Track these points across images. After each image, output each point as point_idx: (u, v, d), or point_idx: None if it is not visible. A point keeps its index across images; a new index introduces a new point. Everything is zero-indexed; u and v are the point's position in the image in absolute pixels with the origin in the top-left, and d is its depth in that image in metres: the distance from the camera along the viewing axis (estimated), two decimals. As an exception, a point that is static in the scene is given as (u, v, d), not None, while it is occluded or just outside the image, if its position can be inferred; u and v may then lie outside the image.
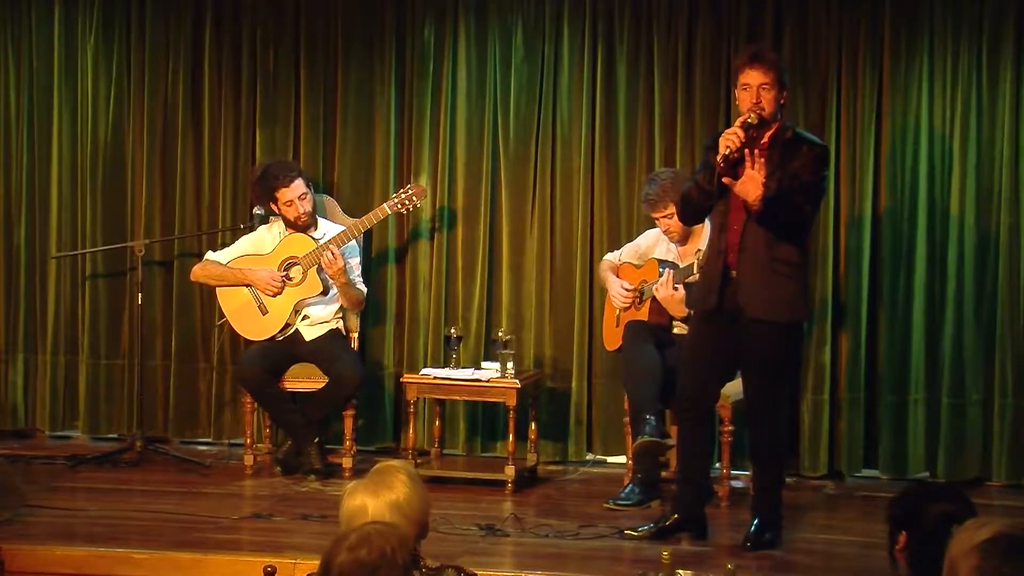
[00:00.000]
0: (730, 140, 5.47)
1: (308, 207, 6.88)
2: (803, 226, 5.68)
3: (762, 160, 5.46)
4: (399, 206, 6.95)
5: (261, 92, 7.46)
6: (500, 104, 7.29)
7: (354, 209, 7.27)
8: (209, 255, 7.03)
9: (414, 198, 6.95)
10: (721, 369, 5.81)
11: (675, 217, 6.44)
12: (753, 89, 5.56)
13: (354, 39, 7.39)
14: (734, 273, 5.62)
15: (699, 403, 5.79)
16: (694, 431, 5.83)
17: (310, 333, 6.94)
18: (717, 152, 5.49)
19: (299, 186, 6.84)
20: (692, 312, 6.03)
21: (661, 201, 6.46)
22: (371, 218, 6.95)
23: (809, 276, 6.17)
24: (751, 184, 5.43)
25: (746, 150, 5.46)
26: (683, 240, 6.57)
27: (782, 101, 5.64)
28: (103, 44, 7.53)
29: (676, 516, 5.81)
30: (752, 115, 5.52)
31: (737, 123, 5.53)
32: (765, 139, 5.61)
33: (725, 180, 5.45)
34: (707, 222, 6.07)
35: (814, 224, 6.12)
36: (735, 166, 5.54)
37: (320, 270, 6.84)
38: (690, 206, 5.78)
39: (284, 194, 6.83)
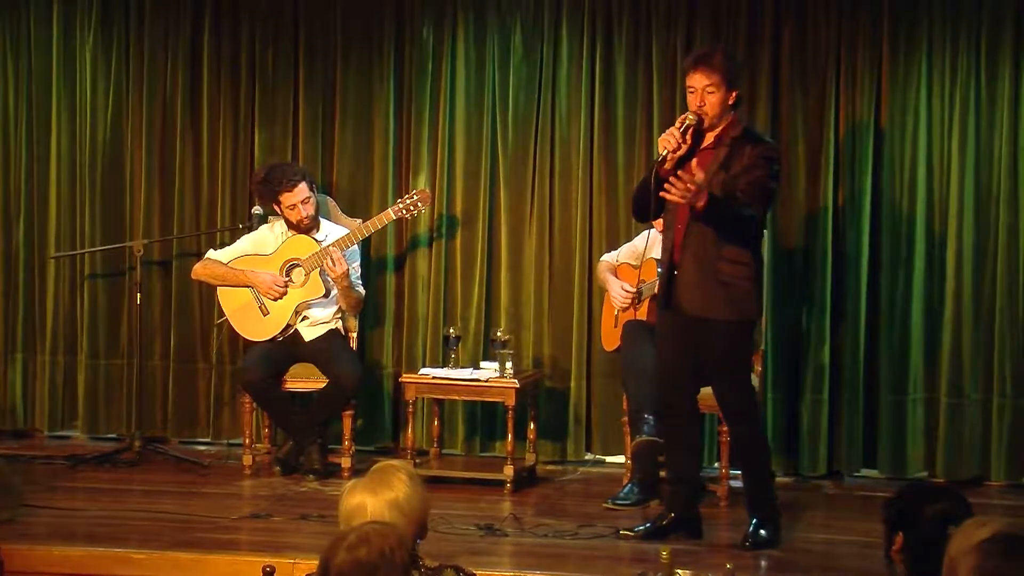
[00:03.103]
0: (667, 141, 5.54)
1: (311, 211, 6.88)
2: (751, 225, 5.62)
3: (696, 168, 5.45)
4: (404, 212, 6.94)
5: (260, 92, 7.46)
6: (499, 104, 7.29)
7: (353, 209, 7.28)
8: (211, 254, 7.02)
9: (419, 203, 6.95)
10: (691, 367, 5.78)
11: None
12: (698, 92, 5.61)
13: (353, 39, 7.39)
14: (676, 272, 5.65)
15: (676, 402, 5.81)
16: (678, 431, 5.84)
17: (309, 333, 6.94)
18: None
19: (303, 190, 6.83)
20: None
21: (657, 202, 6.47)
22: (374, 223, 6.94)
23: (762, 275, 6.04)
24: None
25: (694, 159, 5.48)
26: (681, 240, 6.58)
27: (731, 101, 5.65)
28: (102, 44, 7.54)
29: (671, 516, 5.81)
30: (691, 115, 5.58)
31: (676, 124, 5.58)
32: (710, 139, 5.64)
33: (663, 195, 5.44)
34: None
35: (765, 224, 6.01)
36: (678, 165, 5.56)
37: (322, 272, 6.84)
38: (637, 203, 5.81)
39: (287, 198, 6.83)
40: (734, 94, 5.66)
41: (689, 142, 5.56)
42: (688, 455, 5.87)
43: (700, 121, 5.59)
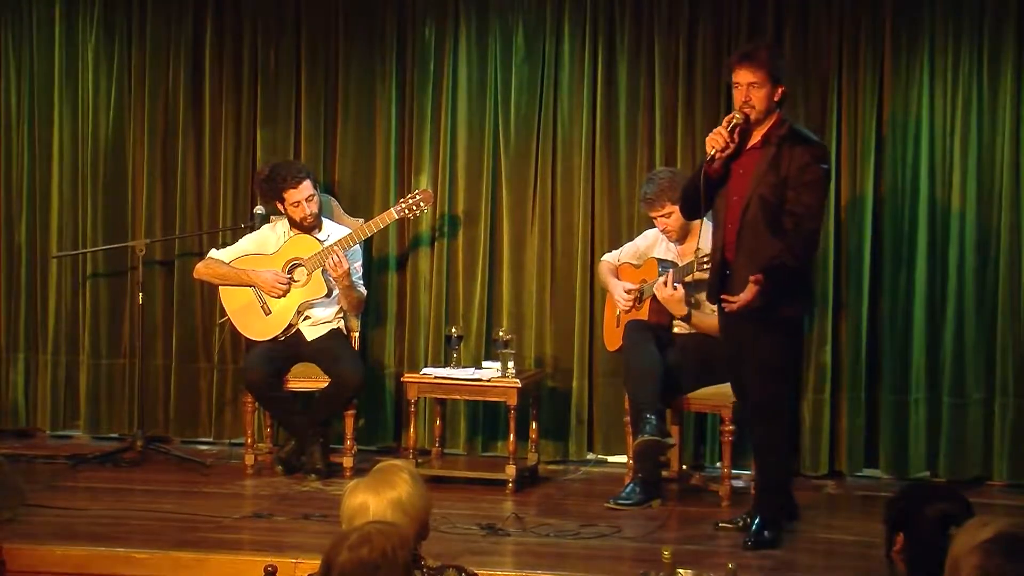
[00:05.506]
0: (715, 140, 5.52)
1: (314, 208, 6.88)
2: (815, 240, 5.75)
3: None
4: (406, 211, 6.95)
5: (262, 91, 7.46)
6: (501, 103, 7.29)
7: (355, 209, 7.28)
8: (213, 253, 7.03)
9: (421, 203, 6.95)
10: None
11: (672, 216, 6.47)
12: (743, 88, 5.59)
13: (355, 38, 7.39)
14: (729, 270, 5.64)
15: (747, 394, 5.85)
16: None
17: (312, 333, 6.94)
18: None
19: (307, 187, 6.84)
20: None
21: (658, 200, 6.48)
22: (377, 223, 6.94)
23: (812, 273, 6.18)
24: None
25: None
26: (681, 239, 6.58)
27: (776, 98, 5.63)
28: (104, 43, 7.54)
29: None
30: (738, 114, 5.55)
31: (723, 122, 5.56)
32: (757, 138, 5.63)
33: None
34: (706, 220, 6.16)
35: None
36: (728, 163, 5.57)
37: (324, 272, 6.84)
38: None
39: (291, 195, 6.83)
40: (780, 90, 5.63)
41: (736, 141, 5.54)
42: None
43: (747, 119, 5.56)
